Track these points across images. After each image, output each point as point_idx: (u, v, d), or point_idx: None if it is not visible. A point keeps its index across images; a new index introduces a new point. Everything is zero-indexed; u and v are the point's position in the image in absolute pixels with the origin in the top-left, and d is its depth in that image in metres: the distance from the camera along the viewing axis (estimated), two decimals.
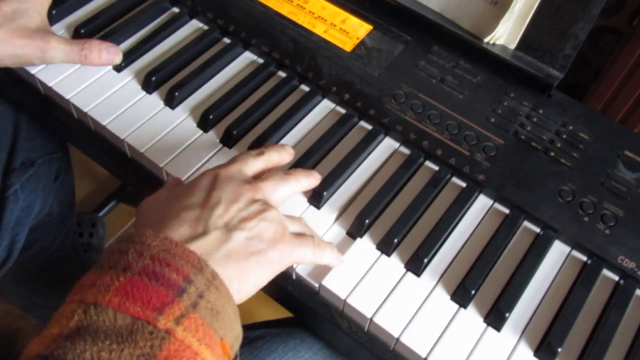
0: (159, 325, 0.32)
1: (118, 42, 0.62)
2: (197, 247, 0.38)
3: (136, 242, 0.36)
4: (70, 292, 0.35)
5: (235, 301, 0.39)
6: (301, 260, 0.46)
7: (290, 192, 0.49)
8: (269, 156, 0.50)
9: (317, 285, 0.48)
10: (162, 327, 0.32)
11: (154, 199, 0.45)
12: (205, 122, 0.56)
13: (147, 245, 0.36)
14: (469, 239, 0.51)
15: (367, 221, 0.50)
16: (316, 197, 0.52)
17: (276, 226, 0.43)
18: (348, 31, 0.62)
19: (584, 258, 0.51)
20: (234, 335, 0.38)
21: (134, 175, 0.58)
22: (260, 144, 0.54)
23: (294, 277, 0.50)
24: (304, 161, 0.54)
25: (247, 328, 0.63)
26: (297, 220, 0.48)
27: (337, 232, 0.51)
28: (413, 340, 0.45)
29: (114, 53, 0.59)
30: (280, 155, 0.52)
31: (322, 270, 0.48)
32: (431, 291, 0.48)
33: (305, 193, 0.53)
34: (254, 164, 0.48)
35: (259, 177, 0.47)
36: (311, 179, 0.51)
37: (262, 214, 0.43)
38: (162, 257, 0.35)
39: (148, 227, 0.38)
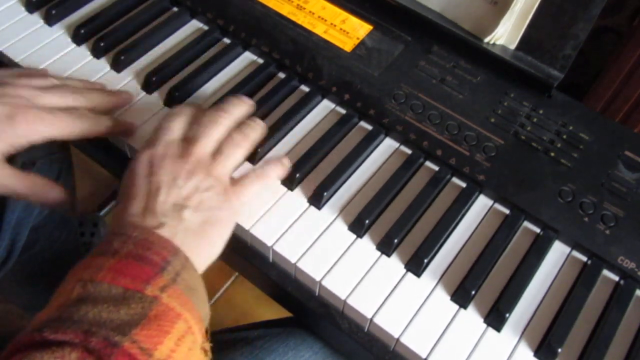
0: (147, 293, 0.37)
1: (118, 43, 0.62)
2: (163, 234, 0.42)
3: (119, 233, 0.41)
4: (66, 277, 0.39)
5: (212, 257, 0.45)
6: (255, 196, 0.48)
7: (226, 130, 0.49)
8: (190, 111, 0.50)
9: (317, 285, 0.48)
10: (149, 294, 0.37)
11: (123, 184, 0.47)
12: None
13: (129, 235, 0.41)
14: (469, 239, 0.51)
15: (367, 221, 0.50)
16: (316, 198, 0.52)
17: (215, 189, 0.46)
18: (348, 31, 0.62)
19: (584, 258, 0.51)
20: (205, 312, 0.42)
21: None
22: (260, 145, 0.54)
23: (293, 276, 0.50)
24: (304, 162, 0.54)
25: (247, 328, 0.63)
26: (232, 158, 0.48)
27: (337, 232, 0.51)
28: (413, 341, 0.45)
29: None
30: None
31: (324, 267, 0.48)
32: (431, 292, 0.48)
33: (306, 193, 0.53)
34: (178, 126, 0.49)
35: (196, 122, 0.49)
36: (259, 131, 0.51)
37: (201, 184, 0.45)
38: (143, 243, 0.40)
39: (127, 220, 0.43)
